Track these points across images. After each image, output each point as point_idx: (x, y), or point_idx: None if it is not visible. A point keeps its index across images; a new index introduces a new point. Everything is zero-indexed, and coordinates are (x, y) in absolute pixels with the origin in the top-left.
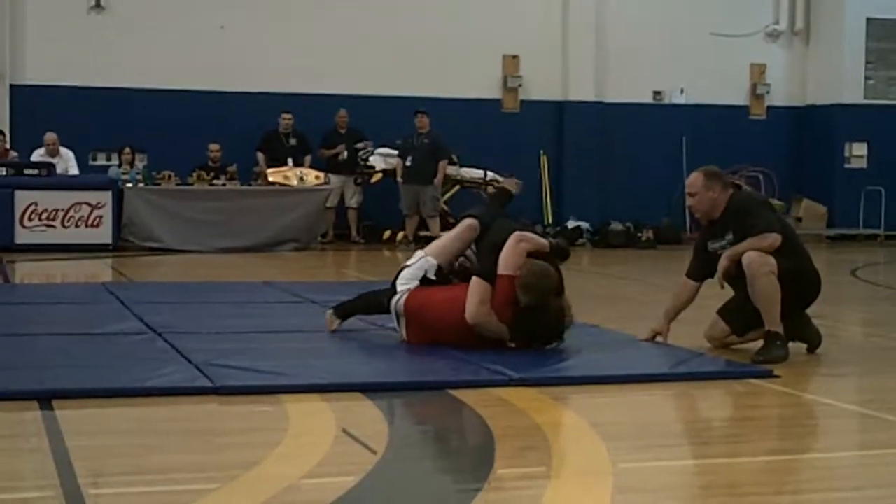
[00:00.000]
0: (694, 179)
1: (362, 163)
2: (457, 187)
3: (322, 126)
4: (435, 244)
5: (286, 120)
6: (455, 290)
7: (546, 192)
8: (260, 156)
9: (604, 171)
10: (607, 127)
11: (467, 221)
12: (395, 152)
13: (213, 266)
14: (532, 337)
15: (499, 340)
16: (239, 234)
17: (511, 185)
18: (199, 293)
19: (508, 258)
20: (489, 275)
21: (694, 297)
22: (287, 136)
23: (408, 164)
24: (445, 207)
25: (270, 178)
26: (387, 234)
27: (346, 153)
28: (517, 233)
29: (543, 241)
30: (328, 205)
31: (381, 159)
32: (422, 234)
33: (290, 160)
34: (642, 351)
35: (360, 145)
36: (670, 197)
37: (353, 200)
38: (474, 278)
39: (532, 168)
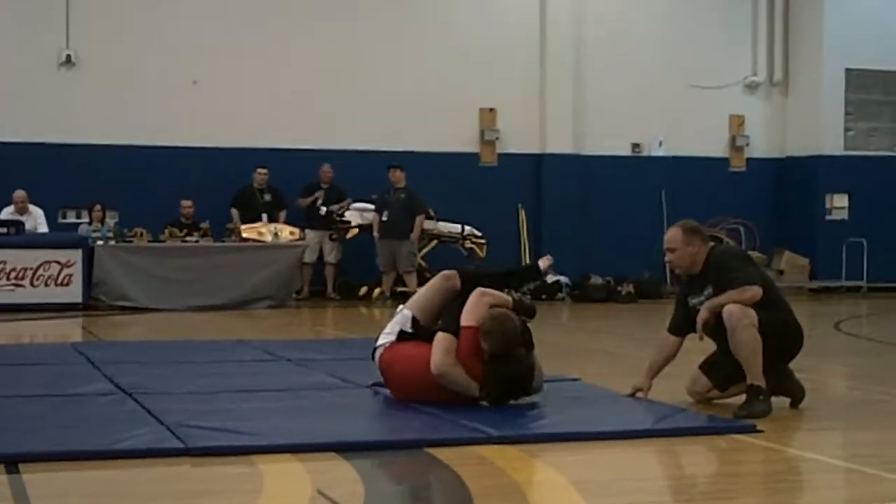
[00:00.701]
0: (673, 235)
1: (338, 218)
2: (434, 242)
3: (297, 181)
4: (413, 297)
5: (261, 175)
6: (424, 345)
7: (524, 245)
8: (234, 212)
9: (583, 225)
10: (586, 179)
11: (444, 272)
12: (372, 207)
13: (185, 324)
14: (503, 391)
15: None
16: (212, 291)
17: (543, 262)
18: (170, 352)
19: (470, 310)
20: (451, 327)
21: (676, 353)
22: (261, 191)
23: (384, 218)
24: (422, 263)
25: (244, 235)
26: (363, 290)
27: (323, 209)
28: (479, 288)
29: (506, 297)
30: (306, 260)
31: (357, 214)
32: (399, 289)
33: (264, 216)
34: (624, 407)
35: (334, 208)
36: (650, 250)
37: (331, 256)
38: (438, 332)
39: (510, 221)
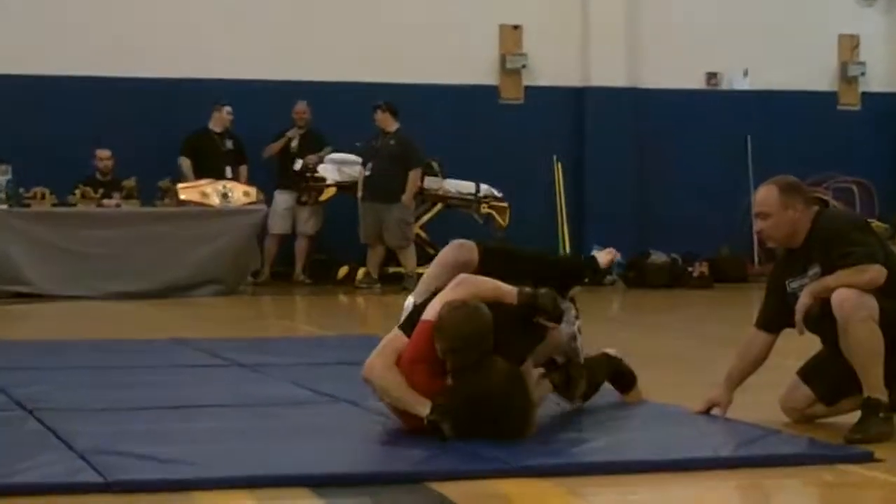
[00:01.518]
0: (766, 195)
1: (309, 174)
2: (438, 207)
3: (261, 128)
4: (421, 279)
5: (225, 116)
6: None
7: (560, 211)
8: (185, 163)
9: (640, 184)
10: (644, 122)
11: (458, 241)
12: (354, 159)
13: (103, 318)
14: (460, 418)
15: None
16: (138, 273)
17: (603, 256)
18: (83, 355)
19: (437, 302)
20: (414, 322)
21: (767, 355)
22: (223, 136)
23: (367, 173)
24: (422, 234)
25: (182, 196)
26: (343, 271)
27: (298, 162)
28: (461, 274)
29: (507, 288)
30: (274, 231)
31: (334, 169)
32: (392, 270)
33: (227, 169)
34: (694, 427)
35: (312, 158)
36: (732, 217)
37: (307, 226)
38: (394, 329)
39: (541, 179)
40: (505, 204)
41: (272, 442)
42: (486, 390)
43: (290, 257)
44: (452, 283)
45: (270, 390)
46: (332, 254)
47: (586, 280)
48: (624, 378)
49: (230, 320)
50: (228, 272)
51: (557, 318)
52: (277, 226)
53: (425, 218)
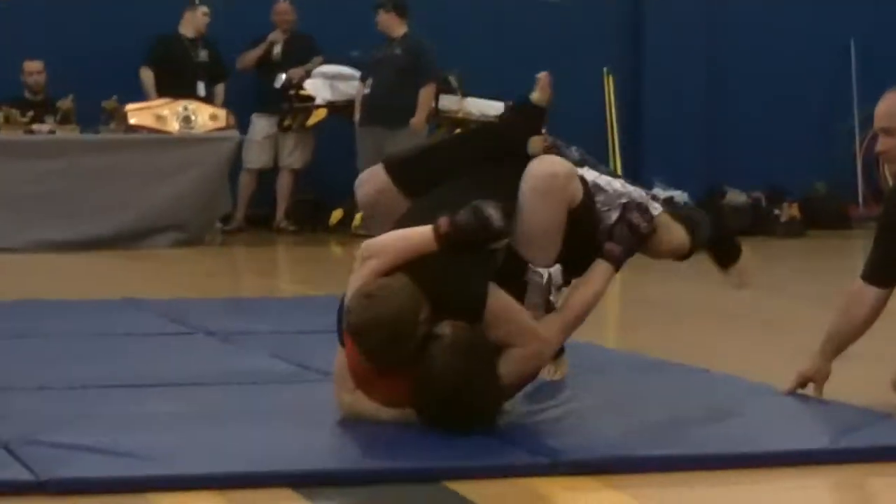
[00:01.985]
0: (890, 107)
1: (294, 92)
2: (457, 132)
3: (236, 35)
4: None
5: (200, 17)
6: None
7: (613, 137)
8: (146, 76)
9: (712, 102)
10: (717, 26)
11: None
12: (351, 72)
13: (35, 272)
14: (436, 416)
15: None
16: (80, 217)
17: (540, 89)
18: (8, 320)
19: (348, 294)
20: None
21: (876, 316)
22: (195, 44)
23: (367, 90)
24: None
25: (133, 121)
26: (336, 215)
27: (281, 77)
28: (365, 244)
29: (418, 233)
30: (251, 165)
31: (325, 85)
32: None
33: (200, 84)
34: (783, 411)
35: (297, 72)
36: (829, 145)
37: (293, 158)
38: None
39: (590, 97)
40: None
41: (248, 430)
42: (428, 383)
43: (270, 198)
44: (356, 262)
45: (246, 364)
46: (322, 193)
47: (530, 128)
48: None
49: (195, 276)
50: (192, 216)
51: (497, 233)
52: (254, 158)
53: None
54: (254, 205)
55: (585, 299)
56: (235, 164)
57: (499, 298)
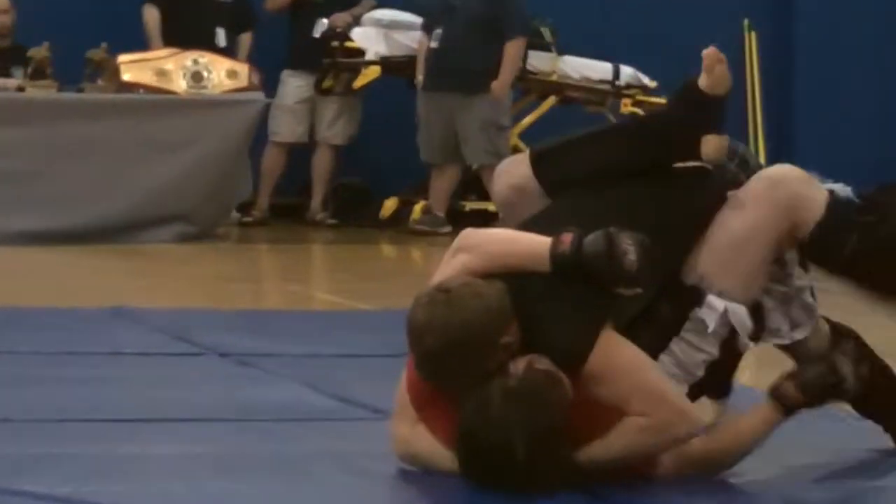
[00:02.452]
0: None
1: (338, 44)
2: (551, 101)
3: None
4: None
5: None
6: None
7: (755, 113)
8: (151, 16)
9: (886, 73)
10: None
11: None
12: (412, 20)
13: (1, 272)
14: (475, 471)
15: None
16: (58, 203)
17: (711, 79)
18: None
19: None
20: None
21: None
22: None
23: (434, 44)
24: (523, 147)
25: (126, 76)
26: (389, 205)
27: (323, 22)
28: (463, 232)
29: (529, 243)
30: (279, 138)
31: (379, 35)
32: (471, 206)
33: (219, 32)
34: None
35: (342, 18)
36: None
37: (333, 130)
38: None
39: (726, 58)
40: (662, 99)
41: (271, 482)
42: (471, 428)
43: (303, 181)
44: (448, 253)
45: (270, 396)
46: (372, 177)
47: (703, 124)
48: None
49: (204, 281)
50: (201, 204)
51: (626, 277)
52: (285, 129)
53: (529, 120)
54: (282, 190)
55: (728, 446)
56: (260, 136)
57: (617, 352)
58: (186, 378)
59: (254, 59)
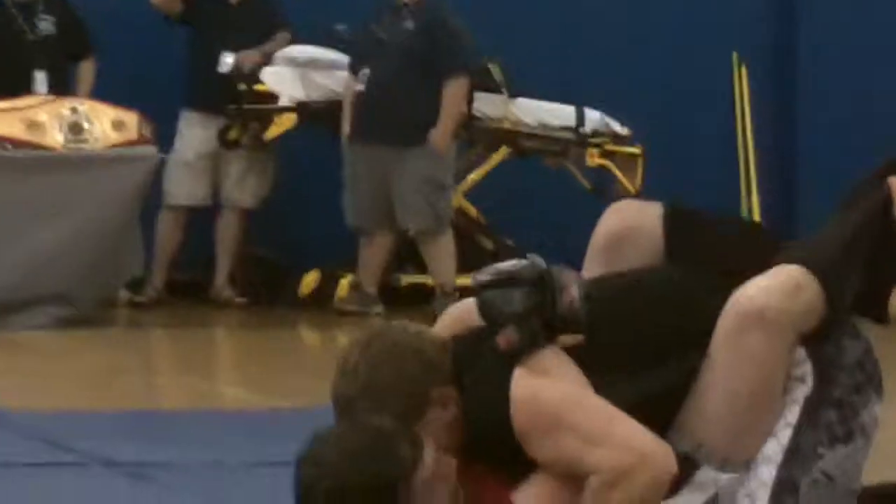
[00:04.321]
0: None
1: (246, 86)
2: (503, 152)
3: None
4: None
5: None
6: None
7: (747, 162)
8: None
9: None
10: None
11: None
12: (335, 58)
13: None
14: None
15: None
16: None
17: None
18: None
19: None
20: None
21: None
22: (31, 10)
23: (362, 87)
24: (469, 208)
25: None
26: (309, 280)
27: (229, 59)
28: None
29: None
30: (176, 200)
31: (295, 76)
32: (407, 280)
33: (39, 76)
34: None
35: (250, 56)
36: None
37: (242, 191)
38: None
39: (712, 99)
40: (636, 149)
41: None
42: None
43: (206, 253)
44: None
45: None
46: (288, 247)
47: None
48: None
49: (86, 376)
50: (81, 282)
51: (524, 343)
52: (183, 190)
53: (476, 176)
54: (181, 264)
55: None
56: (153, 198)
57: (542, 396)
58: (65, 494)
59: (136, 99)
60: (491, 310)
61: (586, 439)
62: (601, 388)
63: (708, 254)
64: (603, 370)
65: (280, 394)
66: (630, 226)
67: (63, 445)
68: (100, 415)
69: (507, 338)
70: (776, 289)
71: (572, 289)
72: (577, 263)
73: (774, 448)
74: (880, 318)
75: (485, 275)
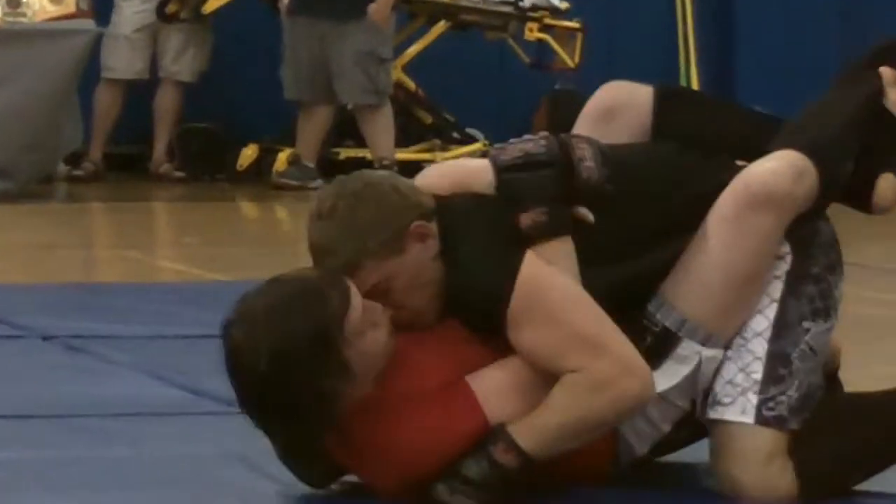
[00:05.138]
0: None
1: None
2: (441, 26)
3: None
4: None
5: None
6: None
7: (686, 37)
8: None
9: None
10: None
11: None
12: None
13: None
14: None
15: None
16: None
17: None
18: None
19: None
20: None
21: None
22: None
23: None
24: (407, 81)
25: None
26: (248, 154)
27: None
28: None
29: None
30: (114, 75)
31: None
32: (346, 154)
33: None
34: None
35: None
36: None
37: (180, 65)
38: None
39: (652, 8)
40: (575, 24)
41: (108, 496)
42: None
43: (144, 127)
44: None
45: (104, 388)
46: (226, 121)
47: None
48: None
49: (25, 250)
50: (20, 156)
51: (553, 226)
52: (121, 64)
53: (415, 49)
54: (119, 137)
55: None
56: (91, 72)
57: (545, 287)
58: (1, 366)
59: None
60: (520, 192)
61: (576, 339)
62: (593, 261)
63: (696, 133)
64: (600, 244)
65: (218, 267)
66: (622, 101)
67: (0, 319)
68: (36, 288)
69: (533, 218)
70: (784, 173)
71: (588, 162)
72: (516, 136)
73: (763, 323)
74: (865, 207)
75: (507, 155)
